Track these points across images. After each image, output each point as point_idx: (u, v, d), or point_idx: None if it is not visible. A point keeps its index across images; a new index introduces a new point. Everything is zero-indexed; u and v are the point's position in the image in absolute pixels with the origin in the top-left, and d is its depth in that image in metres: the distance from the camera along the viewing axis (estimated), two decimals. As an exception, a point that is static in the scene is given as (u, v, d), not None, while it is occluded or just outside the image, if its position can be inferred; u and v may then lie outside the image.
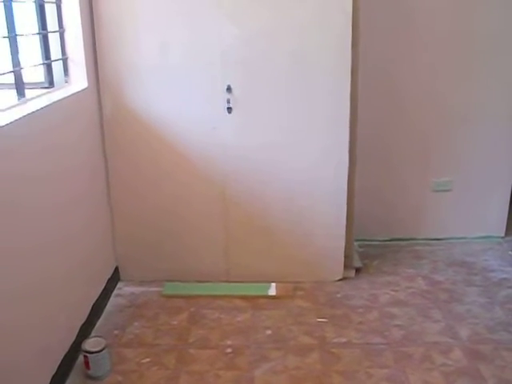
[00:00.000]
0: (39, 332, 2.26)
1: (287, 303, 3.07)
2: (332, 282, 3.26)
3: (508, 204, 3.72)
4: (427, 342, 2.71)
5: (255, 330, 2.84)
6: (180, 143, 3.04)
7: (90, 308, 2.84)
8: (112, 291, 3.18)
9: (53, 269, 2.41)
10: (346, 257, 3.25)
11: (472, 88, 3.46)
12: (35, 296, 2.23)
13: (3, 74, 2.25)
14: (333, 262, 3.25)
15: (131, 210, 3.18)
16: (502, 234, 3.77)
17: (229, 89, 2.94)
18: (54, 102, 2.46)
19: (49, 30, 2.74)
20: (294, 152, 3.06)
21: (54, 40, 2.78)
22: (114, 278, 3.25)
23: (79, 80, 2.84)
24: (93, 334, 2.79)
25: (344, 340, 2.74)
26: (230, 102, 2.96)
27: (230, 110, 2.97)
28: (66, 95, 2.62)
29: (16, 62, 2.30)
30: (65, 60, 2.83)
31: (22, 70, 2.37)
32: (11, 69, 2.29)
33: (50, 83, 2.76)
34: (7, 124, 2.02)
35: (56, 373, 2.37)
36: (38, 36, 2.68)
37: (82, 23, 2.78)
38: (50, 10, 2.73)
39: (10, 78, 2.34)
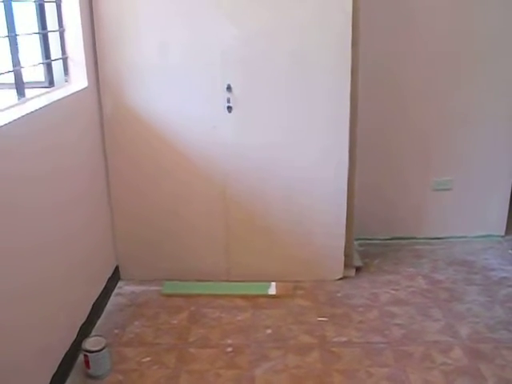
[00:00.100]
0: (39, 331, 2.26)
1: (287, 302, 3.07)
2: (332, 281, 3.26)
3: (508, 203, 3.72)
4: (427, 340, 2.71)
5: (255, 329, 2.84)
6: (180, 142, 3.04)
7: (90, 307, 2.85)
8: (112, 290, 3.19)
9: (53, 268, 2.41)
10: (346, 256, 3.25)
11: (472, 88, 3.45)
12: (35, 295, 2.23)
13: (3, 73, 2.25)
14: (333, 261, 3.25)
15: (131, 209, 3.18)
16: (502, 233, 3.77)
17: (229, 88, 2.94)
18: (53, 102, 2.46)
19: (49, 29, 2.74)
20: (294, 151, 3.06)
21: (54, 39, 2.78)
22: (115, 277, 3.25)
23: (79, 79, 2.84)
24: (93, 333, 2.79)
25: (344, 339, 2.74)
26: (230, 101, 2.96)
27: (230, 109, 2.97)
28: (66, 95, 2.62)
29: (16, 62, 2.30)
30: (65, 59, 2.83)
31: (22, 70, 2.37)
32: (11, 68, 2.29)
33: (50, 83, 2.77)
34: (7, 123, 2.02)
35: (56, 372, 2.37)
36: (37, 35, 2.68)
37: (82, 22, 2.78)
38: (50, 9, 2.74)
39: (10, 78, 2.34)
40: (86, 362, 2.48)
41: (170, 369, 2.55)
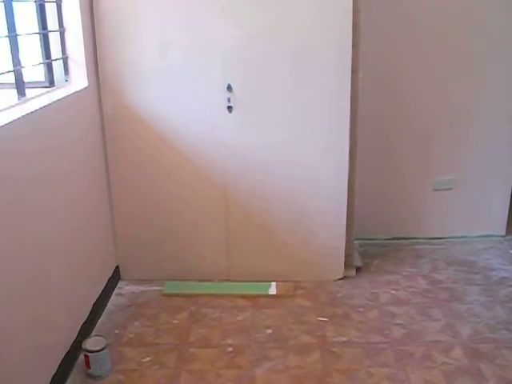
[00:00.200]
0: (40, 331, 2.26)
1: (288, 302, 3.07)
2: (333, 281, 3.26)
3: (509, 203, 3.72)
4: (428, 340, 2.71)
5: (256, 329, 2.84)
6: (181, 142, 3.04)
7: (90, 307, 2.85)
8: (113, 290, 3.19)
9: (54, 268, 2.41)
10: (346, 256, 3.25)
11: (473, 88, 3.45)
12: (36, 295, 2.24)
13: (4, 73, 2.25)
14: (333, 261, 3.25)
15: (132, 209, 3.18)
16: (503, 233, 3.77)
17: (229, 88, 2.94)
18: (54, 102, 2.47)
19: (49, 29, 2.74)
20: (295, 151, 3.06)
21: (54, 39, 2.78)
22: (115, 278, 3.25)
23: (80, 79, 2.84)
24: (93, 333, 2.79)
25: (344, 339, 2.74)
26: (231, 101, 2.96)
27: (230, 109, 2.97)
28: (66, 94, 2.62)
29: (16, 62, 2.31)
30: (65, 59, 2.83)
31: (23, 70, 2.37)
32: (12, 68, 2.29)
33: (51, 82, 2.77)
34: (7, 123, 2.02)
35: (56, 372, 2.37)
36: (38, 35, 2.68)
37: (82, 22, 2.78)
38: (51, 9, 2.74)
39: (11, 78, 2.34)
40: (87, 362, 2.48)
41: (170, 369, 2.55)
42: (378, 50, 3.30)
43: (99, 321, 2.91)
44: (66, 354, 2.49)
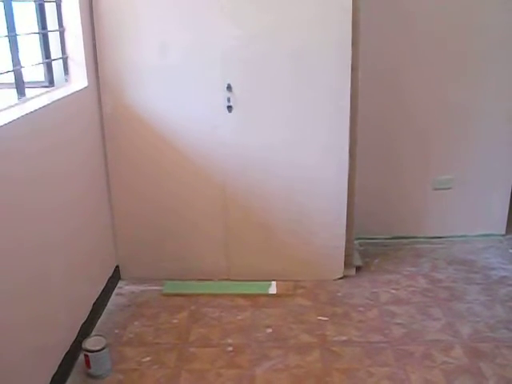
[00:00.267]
0: (40, 331, 2.26)
1: (288, 301, 3.07)
2: (333, 280, 3.26)
3: (509, 202, 3.72)
4: (428, 340, 2.71)
5: (256, 329, 2.84)
6: (180, 142, 3.04)
7: (90, 307, 2.85)
8: (113, 290, 3.19)
9: (54, 268, 2.41)
10: (346, 255, 3.25)
11: (473, 87, 3.45)
12: (36, 295, 2.24)
13: (3, 73, 2.25)
14: (333, 261, 3.25)
15: (132, 208, 3.18)
16: (503, 232, 3.77)
17: (229, 87, 2.94)
18: (54, 101, 2.47)
19: (49, 29, 2.74)
20: (295, 150, 3.05)
21: (54, 39, 2.78)
22: (115, 277, 3.25)
23: (79, 79, 2.84)
24: (93, 332, 2.80)
25: (344, 338, 2.74)
26: (231, 100, 2.96)
27: (230, 108, 2.97)
28: (66, 94, 2.62)
29: (16, 61, 2.31)
30: (65, 59, 2.83)
31: (22, 69, 2.37)
32: (11, 68, 2.29)
33: (50, 82, 2.77)
34: (7, 123, 2.02)
35: (57, 372, 2.37)
36: (38, 35, 2.68)
37: (82, 22, 2.78)
38: (50, 9, 2.73)
39: (10, 78, 2.34)
40: (87, 362, 2.48)
41: (170, 368, 2.55)
42: (378, 48, 3.30)
43: (99, 320, 2.92)
44: (66, 353, 2.49)
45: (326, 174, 3.09)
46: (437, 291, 3.14)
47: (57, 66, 2.81)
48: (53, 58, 2.77)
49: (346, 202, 3.13)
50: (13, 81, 2.34)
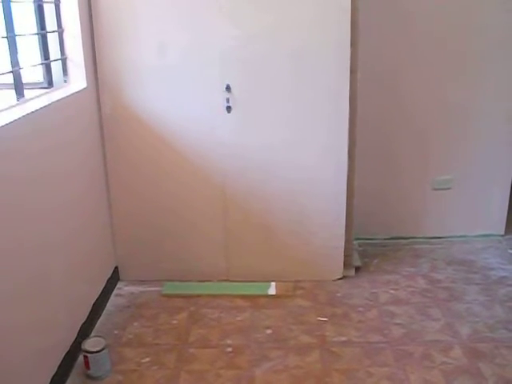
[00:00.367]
0: (39, 332, 2.26)
1: (287, 302, 3.07)
2: (332, 280, 3.26)
3: (508, 202, 3.72)
4: (427, 340, 2.71)
5: (255, 330, 2.84)
6: (179, 142, 3.04)
7: (90, 308, 2.85)
8: (112, 291, 3.19)
9: (53, 268, 2.41)
10: (345, 256, 3.25)
11: (472, 87, 3.45)
12: (35, 296, 2.23)
13: (2, 74, 2.25)
14: (333, 261, 3.25)
15: (131, 209, 3.18)
16: (502, 232, 3.77)
17: (228, 88, 2.94)
18: (53, 102, 2.47)
19: (48, 29, 2.74)
20: (294, 151, 3.06)
21: (52, 40, 2.78)
22: (114, 278, 3.25)
23: (78, 80, 2.84)
24: (93, 333, 2.79)
25: (344, 339, 2.74)
26: (230, 101, 2.96)
27: (229, 109, 2.97)
28: (65, 95, 2.62)
29: (15, 62, 2.30)
30: (64, 60, 2.83)
31: (21, 70, 2.37)
32: (10, 69, 2.29)
33: (49, 83, 2.77)
34: (6, 124, 2.02)
35: (56, 373, 2.37)
36: (36, 36, 2.68)
37: (80, 23, 2.78)
38: (49, 9, 2.73)
39: (9, 78, 2.34)
40: (86, 363, 2.48)
41: (169, 369, 2.55)
42: (377, 49, 3.30)
43: (98, 321, 2.91)
44: (66, 354, 2.49)
45: (325, 174, 3.09)
46: (436, 291, 3.14)
47: (56, 67, 2.81)
48: (52, 58, 2.77)
49: (345, 203, 3.13)
50: (12, 82, 2.34)
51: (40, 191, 2.31)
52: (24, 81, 2.41)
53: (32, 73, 2.67)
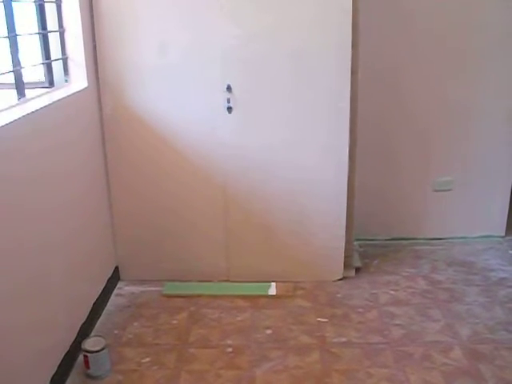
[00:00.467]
0: (39, 331, 2.26)
1: (287, 303, 3.07)
2: (332, 281, 3.26)
3: (508, 203, 3.72)
4: (427, 341, 2.71)
5: (255, 330, 2.84)
6: (180, 142, 3.04)
7: (90, 307, 2.85)
8: (112, 291, 3.19)
9: (53, 268, 2.41)
10: (346, 256, 3.25)
11: (473, 88, 3.45)
12: (35, 295, 2.24)
13: (3, 73, 2.25)
14: (333, 262, 3.25)
15: (131, 209, 3.18)
16: (503, 234, 3.77)
17: (229, 88, 2.94)
18: (54, 102, 2.47)
19: (49, 29, 2.74)
20: (295, 151, 3.06)
21: (54, 40, 2.78)
22: (115, 278, 3.25)
23: (79, 79, 2.84)
24: (93, 333, 2.79)
25: (344, 339, 2.74)
26: (230, 101, 2.96)
27: (230, 109, 2.97)
28: (66, 95, 2.62)
29: (16, 62, 2.31)
30: (65, 60, 2.83)
31: (22, 70, 2.37)
32: (11, 68, 2.29)
33: (50, 83, 2.77)
34: (7, 124, 2.02)
35: (56, 372, 2.37)
36: (38, 36, 2.68)
37: (82, 23, 2.78)
38: (50, 9, 2.74)
39: (10, 78, 2.34)
40: (86, 363, 2.48)
41: (169, 369, 2.55)
42: (377, 48, 3.30)
43: (98, 321, 2.91)
44: (66, 354, 2.49)
45: (325, 175, 3.09)
46: (436, 292, 3.14)
47: (57, 67, 2.81)
48: (53, 58, 2.77)
49: (345, 203, 3.13)
50: (13, 81, 2.34)
51: (40, 191, 2.31)
52: (25, 80, 2.41)
53: (33, 72, 2.67)
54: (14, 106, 2.27)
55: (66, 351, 2.50)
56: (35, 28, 2.66)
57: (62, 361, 2.44)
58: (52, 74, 2.78)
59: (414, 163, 3.61)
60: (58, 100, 2.52)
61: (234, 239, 3.20)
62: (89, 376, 2.49)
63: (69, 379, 2.48)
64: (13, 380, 2.05)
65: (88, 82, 2.86)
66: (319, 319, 2.92)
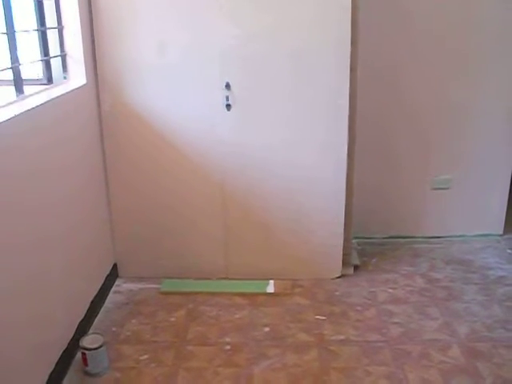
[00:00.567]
0: (37, 328, 2.26)
1: (286, 300, 3.07)
2: (330, 279, 3.26)
3: (507, 202, 3.72)
4: (425, 339, 2.71)
5: (254, 327, 2.84)
6: (179, 140, 3.04)
7: (88, 305, 2.84)
8: (110, 288, 3.18)
9: (52, 265, 2.41)
10: (344, 254, 3.25)
11: (472, 85, 3.45)
12: (33, 292, 2.23)
13: (2, 70, 2.25)
14: (331, 260, 3.25)
15: (130, 206, 3.18)
16: (501, 232, 3.77)
17: (228, 86, 2.93)
18: (52, 99, 2.46)
19: (47, 26, 2.74)
20: (293, 149, 3.05)
21: (52, 36, 2.77)
22: (113, 275, 3.25)
23: (78, 76, 2.84)
24: (91, 330, 2.79)
25: (342, 337, 2.74)
26: (229, 99, 2.95)
27: (228, 107, 2.97)
28: (64, 92, 2.61)
29: (14, 59, 2.30)
30: (63, 56, 2.83)
31: (21, 67, 2.36)
32: (10, 65, 2.29)
33: (49, 80, 2.76)
34: (5, 120, 2.02)
35: (54, 369, 2.37)
36: (36, 32, 2.67)
37: (80, 19, 2.77)
38: (49, 6, 2.73)
39: (9, 75, 2.33)
40: (84, 360, 2.48)
41: (167, 366, 2.55)
42: (377, 47, 3.30)
43: (96, 318, 2.91)
44: (64, 351, 2.49)
45: (324, 173, 3.09)
46: (434, 291, 3.14)
47: (55, 64, 2.81)
48: (51, 55, 2.76)
49: (344, 201, 3.13)
50: (11, 78, 2.34)
51: (39, 187, 2.30)
52: (23, 77, 2.40)
53: (32, 69, 2.66)
54: (12, 103, 2.26)
55: (63, 348, 2.50)
56: (34, 25, 2.65)
57: (59, 358, 2.44)
58: (50, 71, 2.77)
59: (413, 161, 3.61)
60: (57, 97, 2.51)
61: (232, 237, 3.20)
62: (87, 373, 2.49)
63: (67, 376, 2.48)
64: (11, 377, 2.05)
65: (86, 79, 2.85)
66: (317, 317, 2.92)
